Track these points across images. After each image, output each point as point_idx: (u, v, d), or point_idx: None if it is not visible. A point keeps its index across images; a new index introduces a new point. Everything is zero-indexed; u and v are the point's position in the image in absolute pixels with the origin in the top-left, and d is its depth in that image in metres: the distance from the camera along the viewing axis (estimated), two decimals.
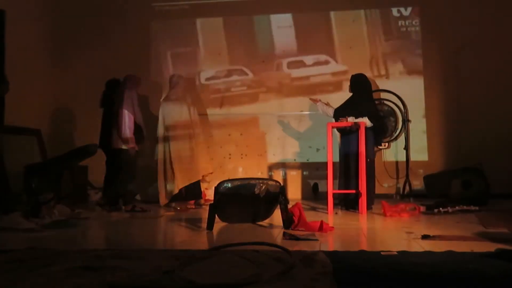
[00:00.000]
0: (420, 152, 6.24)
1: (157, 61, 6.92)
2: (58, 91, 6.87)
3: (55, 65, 6.90)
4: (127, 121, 5.20)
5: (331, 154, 4.82)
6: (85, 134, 6.67)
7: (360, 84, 5.04)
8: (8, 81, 5.03)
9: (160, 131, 5.69)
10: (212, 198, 3.66)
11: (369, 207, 4.72)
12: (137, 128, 5.36)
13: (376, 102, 6.12)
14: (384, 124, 5.99)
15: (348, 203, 4.92)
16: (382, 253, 2.44)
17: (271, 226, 3.74)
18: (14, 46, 5.94)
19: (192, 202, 5.62)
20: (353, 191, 4.78)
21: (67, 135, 6.78)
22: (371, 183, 4.84)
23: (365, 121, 4.81)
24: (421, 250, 2.54)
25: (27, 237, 3.25)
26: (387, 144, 6.03)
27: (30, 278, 1.92)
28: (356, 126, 4.75)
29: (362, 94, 5.01)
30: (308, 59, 6.64)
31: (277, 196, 3.61)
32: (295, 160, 6.52)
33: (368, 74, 6.29)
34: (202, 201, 5.71)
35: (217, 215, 3.63)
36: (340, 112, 5.01)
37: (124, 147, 5.27)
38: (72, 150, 4.89)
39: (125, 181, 5.34)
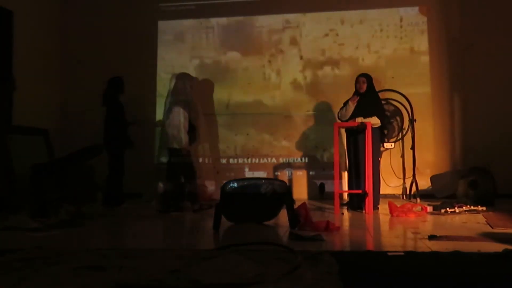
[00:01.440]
0: (427, 152, 6.20)
1: (163, 60, 6.93)
2: (66, 92, 6.90)
3: (63, 66, 6.93)
4: (182, 120, 5.19)
5: (337, 154, 4.81)
6: (92, 134, 6.71)
7: (370, 82, 5.03)
8: (15, 79, 5.08)
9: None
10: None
11: (375, 207, 4.71)
12: (190, 127, 5.37)
13: (383, 102, 6.10)
14: (390, 123, 5.97)
15: (353, 204, 4.91)
16: (388, 253, 2.43)
17: (277, 226, 3.74)
18: (22, 46, 5.98)
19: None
20: (360, 191, 4.76)
21: (75, 135, 6.80)
22: (376, 183, 4.83)
23: (374, 121, 4.81)
24: (428, 250, 2.53)
25: (34, 236, 3.27)
26: (393, 144, 6.00)
27: (37, 277, 1.93)
28: (363, 126, 4.73)
29: (371, 93, 5.01)
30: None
31: (283, 196, 3.61)
32: (301, 160, 6.52)
33: (375, 74, 6.28)
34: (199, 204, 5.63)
35: (223, 215, 3.63)
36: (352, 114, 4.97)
37: (176, 146, 5.25)
38: (79, 149, 4.91)
39: (190, 179, 5.31)
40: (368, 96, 4.97)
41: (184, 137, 5.23)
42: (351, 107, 4.93)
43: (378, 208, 4.81)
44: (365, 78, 4.99)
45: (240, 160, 6.64)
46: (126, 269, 2.02)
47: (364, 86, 4.96)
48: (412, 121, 6.00)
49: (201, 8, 6.91)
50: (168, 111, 5.36)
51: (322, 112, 6.45)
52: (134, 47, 6.85)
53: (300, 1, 6.72)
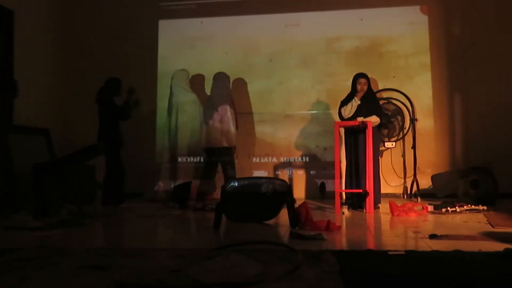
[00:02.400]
0: (428, 151, 6.20)
1: (163, 59, 6.93)
2: (67, 91, 6.90)
3: (64, 65, 6.93)
4: (232, 118, 5.19)
5: (338, 153, 4.81)
6: (93, 134, 6.71)
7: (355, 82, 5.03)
8: (17, 83, 5.09)
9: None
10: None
11: (375, 206, 4.71)
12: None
13: (384, 101, 6.10)
14: (390, 122, 5.97)
15: (354, 203, 4.91)
16: (389, 252, 2.43)
17: (277, 225, 3.74)
18: (22, 46, 5.98)
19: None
20: (360, 190, 4.76)
21: (76, 135, 6.81)
22: (376, 182, 4.84)
23: (374, 119, 4.81)
24: (428, 249, 2.53)
25: (35, 235, 3.27)
26: (394, 143, 6.00)
27: (38, 276, 1.93)
28: (364, 125, 4.73)
29: (369, 93, 5.01)
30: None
31: (284, 195, 3.61)
32: (301, 159, 6.52)
33: (376, 73, 6.29)
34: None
35: (224, 214, 3.63)
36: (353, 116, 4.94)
37: (226, 145, 5.24)
38: (79, 149, 4.91)
39: (231, 177, 5.32)
40: (367, 96, 4.97)
41: (234, 135, 5.22)
42: (355, 106, 4.92)
43: (378, 208, 4.82)
44: (366, 79, 4.97)
45: (241, 159, 6.63)
46: (127, 269, 2.03)
47: (365, 88, 4.96)
48: (413, 120, 6.00)
49: (202, 7, 6.91)
50: (211, 110, 5.29)
51: (323, 111, 6.45)
52: (135, 46, 6.86)
53: (300, 0, 6.71)
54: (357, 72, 5.08)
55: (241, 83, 6.66)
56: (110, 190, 5.31)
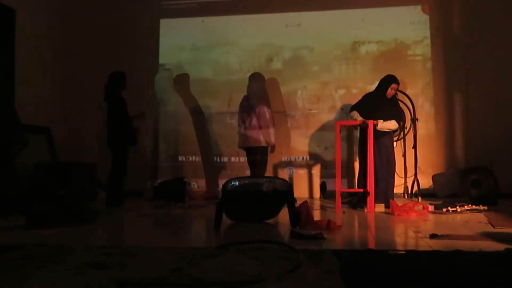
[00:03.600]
0: (428, 151, 6.19)
1: (166, 58, 6.94)
2: (68, 90, 6.90)
3: (65, 64, 6.93)
4: (270, 118, 5.19)
5: (339, 153, 4.81)
6: (94, 132, 6.73)
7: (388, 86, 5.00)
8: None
9: None
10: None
11: (386, 204, 4.71)
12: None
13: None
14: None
15: (359, 202, 4.90)
16: (390, 252, 2.43)
17: (278, 224, 3.75)
18: (24, 44, 5.98)
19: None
20: (361, 190, 4.77)
21: (77, 133, 6.82)
22: (390, 179, 4.91)
23: (392, 125, 4.86)
24: (429, 249, 2.53)
25: (36, 234, 3.27)
26: (395, 143, 6.00)
27: (39, 275, 1.94)
28: (365, 124, 4.74)
29: (393, 98, 5.04)
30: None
31: (285, 194, 3.61)
32: (302, 158, 6.52)
33: (376, 73, 6.27)
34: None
35: (225, 213, 3.63)
36: (364, 112, 4.95)
37: (264, 144, 5.25)
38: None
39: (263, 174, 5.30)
40: (391, 99, 4.99)
41: (274, 135, 5.24)
42: (359, 120, 4.90)
43: (389, 207, 4.80)
44: (398, 85, 4.97)
45: (242, 159, 6.64)
46: (128, 267, 2.03)
47: (393, 93, 4.98)
48: (414, 120, 5.99)
49: (203, 6, 6.90)
50: (250, 111, 5.29)
51: (324, 110, 6.46)
52: (136, 45, 6.86)
53: (301, 0, 6.71)
54: (388, 74, 5.05)
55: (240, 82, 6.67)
56: (118, 190, 5.18)
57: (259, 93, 5.28)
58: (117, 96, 5.24)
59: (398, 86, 5.00)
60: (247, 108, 5.35)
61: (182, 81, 5.30)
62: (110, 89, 5.25)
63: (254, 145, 5.26)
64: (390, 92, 4.94)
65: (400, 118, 5.06)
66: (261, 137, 5.21)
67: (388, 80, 4.99)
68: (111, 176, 5.21)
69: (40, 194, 3.96)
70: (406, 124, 6.06)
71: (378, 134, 4.83)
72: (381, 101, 4.95)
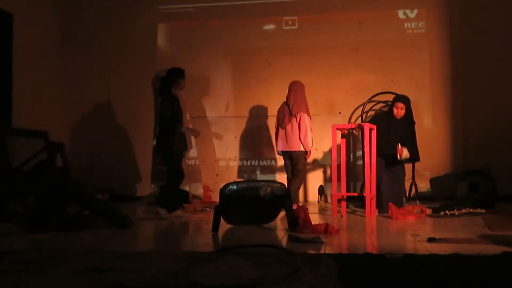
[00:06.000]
0: (426, 154, 6.19)
1: (164, 63, 6.94)
2: (66, 94, 6.90)
3: (63, 68, 6.92)
4: (309, 124, 5.23)
5: (335, 156, 4.82)
6: (92, 136, 6.73)
7: (408, 108, 4.90)
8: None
9: None
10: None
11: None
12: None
13: (382, 104, 6.11)
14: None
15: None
16: (388, 256, 2.43)
17: (276, 228, 3.74)
18: (22, 49, 5.98)
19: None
20: (356, 194, 4.79)
21: (74, 138, 6.82)
22: (401, 187, 4.98)
23: (405, 153, 4.83)
24: (427, 253, 2.54)
25: (34, 238, 3.26)
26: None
27: (38, 279, 1.93)
28: (360, 127, 4.75)
29: (410, 118, 5.01)
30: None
31: (282, 198, 3.61)
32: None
33: (375, 76, 6.30)
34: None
35: (223, 217, 3.63)
36: (380, 134, 4.82)
37: (302, 149, 5.27)
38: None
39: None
40: (403, 121, 4.90)
41: (311, 141, 5.27)
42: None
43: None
44: (404, 104, 4.83)
45: (240, 163, 6.65)
46: (126, 272, 2.03)
47: (402, 112, 4.84)
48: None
49: (200, 10, 6.92)
50: (290, 117, 5.32)
51: (322, 115, 6.46)
52: (134, 49, 6.87)
53: (298, 4, 6.72)
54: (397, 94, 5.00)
55: (239, 85, 6.69)
56: (170, 199, 4.79)
57: (299, 100, 5.34)
58: (167, 92, 4.85)
59: (405, 105, 4.84)
60: (288, 114, 5.40)
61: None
62: (162, 84, 5.00)
63: (293, 150, 5.31)
64: (396, 112, 4.83)
65: (414, 151, 4.96)
66: (300, 142, 5.27)
67: (393, 100, 4.98)
68: (167, 184, 4.85)
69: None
70: None
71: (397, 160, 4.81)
72: (400, 124, 4.87)
